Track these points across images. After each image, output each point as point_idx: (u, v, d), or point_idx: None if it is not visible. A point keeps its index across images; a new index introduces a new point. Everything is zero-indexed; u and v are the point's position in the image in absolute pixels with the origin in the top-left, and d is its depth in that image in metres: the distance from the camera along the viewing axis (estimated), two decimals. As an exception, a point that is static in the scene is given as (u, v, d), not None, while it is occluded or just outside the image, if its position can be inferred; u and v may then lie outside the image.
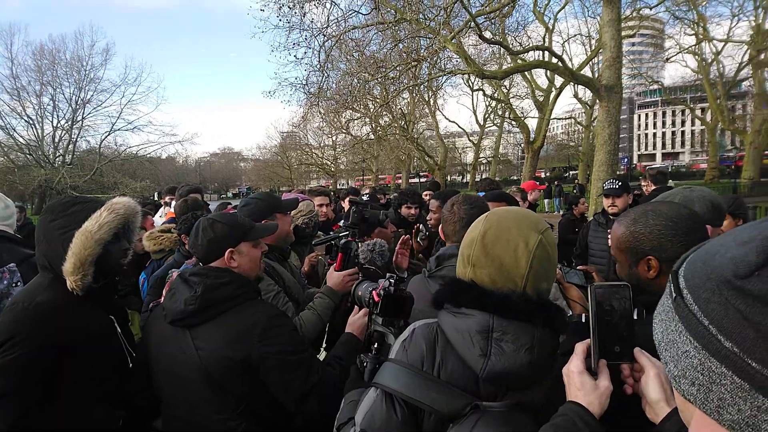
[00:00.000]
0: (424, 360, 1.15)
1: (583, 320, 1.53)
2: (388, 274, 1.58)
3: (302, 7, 13.78)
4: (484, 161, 47.93)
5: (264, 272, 2.17)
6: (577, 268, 1.75)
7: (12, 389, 1.56)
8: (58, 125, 35.70)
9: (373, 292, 1.60)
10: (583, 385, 1.01)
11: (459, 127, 39.98)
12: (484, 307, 1.11)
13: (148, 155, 37.78)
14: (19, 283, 2.65)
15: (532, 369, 1.07)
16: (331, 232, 3.45)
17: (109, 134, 36.56)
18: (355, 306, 1.87)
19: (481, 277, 1.15)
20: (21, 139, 34.65)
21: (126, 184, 31.67)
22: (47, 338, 1.60)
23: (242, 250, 1.79)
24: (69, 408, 1.67)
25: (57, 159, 35.36)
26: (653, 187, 5.28)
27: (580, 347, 1.06)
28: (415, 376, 1.12)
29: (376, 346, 1.53)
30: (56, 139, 35.83)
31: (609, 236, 2.80)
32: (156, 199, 9.79)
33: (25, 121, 34.73)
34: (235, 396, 1.63)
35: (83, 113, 35.74)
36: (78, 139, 36.49)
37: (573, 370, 1.04)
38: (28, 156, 34.54)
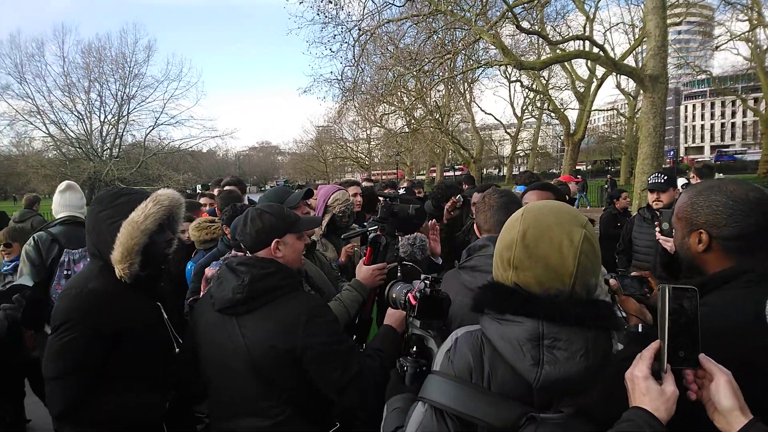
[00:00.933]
0: (472, 371, 1.10)
1: (640, 330, 1.55)
2: (422, 276, 1.54)
3: (338, 3, 13.83)
4: (521, 154, 47.06)
5: None
6: (632, 274, 1.68)
7: (66, 372, 1.65)
8: (105, 120, 37.30)
9: (409, 294, 1.57)
10: (648, 390, 0.98)
11: (495, 119, 39.40)
12: (531, 313, 1.06)
13: (190, 149, 38.97)
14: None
15: (589, 374, 1.03)
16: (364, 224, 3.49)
17: (153, 128, 37.91)
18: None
19: (526, 280, 1.10)
20: (72, 134, 36.43)
21: (169, 177, 32.80)
22: (99, 323, 1.68)
23: (287, 241, 1.83)
24: (118, 393, 1.74)
25: (105, 152, 36.96)
26: (699, 182, 5.07)
27: (647, 352, 1.03)
28: (464, 389, 1.08)
29: (414, 349, 1.53)
30: (104, 133, 37.44)
31: (656, 231, 2.72)
32: (198, 191, 10.07)
33: (75, 116, 36.45)
34: (279, 385, 1.68)
35: (128, 108, 37.20)
36: (124, 133, 38.02)
37: (638, 374, 1.00)
38: (78, 149, 36.27)
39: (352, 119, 39.02)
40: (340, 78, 17.30)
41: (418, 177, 38.71)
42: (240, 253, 2.49)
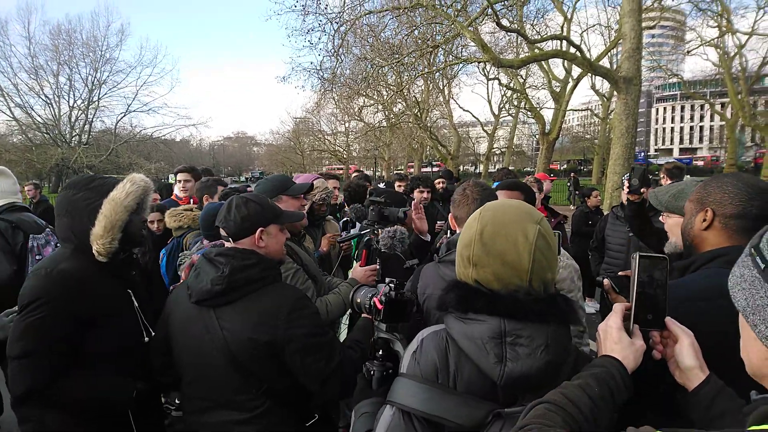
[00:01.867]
0: (439, 371, 1.12)
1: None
2: (387, 279, 1.56)
3: (318, -8, 13.68)
4: (497, 152, 47.57)
5: None
6: (619, 274, 1.74)
7: (31, 352, 1.62)
8: (75, 105, 36.11)
9: (374, 299, 1.58)
10: (620, 340, 1.05)
11: (473, 116, 39.69)
12: (493, 311, 1.08)
13: (163, 137, 38.09)
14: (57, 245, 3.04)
15: (550, 368, 1.06)
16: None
17: (124, 115, 36.92)
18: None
19: (486, 276, 1.12)
20: (39, 118, 35.12)
21: (141, 165, 31.99)
22: (68, 304, 1.66)
23: (271, 231, 1.81)
24: (84, 376, 1.72)
25: (73, 138, 35.79)
26: (669, 182, 5.23)
27: (618, 306, 1.11)
28: (430, 390, 1.09)
29: (381, 352, 1.54)
30: (73, 119, 36.23)
31: (628, 230, 2.82)
32: (170, 180, 9.86)
33: (43, 100, 35.21)
34: (258, 377, 1.66)
35: (99, 94, 36.11)
36: (94, 119, 36.90)
37: (612, 325, 1.08)
38: (45, 135, 35.03)
39: (331, 111, 38.74)
40: (319, 68, 17.16)
41: (395, 172, 38.84)
42: (206, 242, 2.48)
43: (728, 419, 0.97)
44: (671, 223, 1.94)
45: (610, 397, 0.96)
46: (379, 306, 1.53)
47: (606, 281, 1.71)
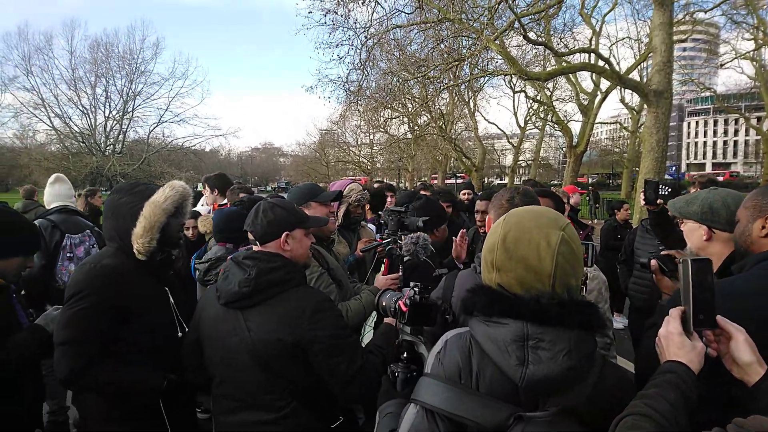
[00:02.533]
0: (461, 372, 1.13)
1: (665, 303, 1.64)
2: (412, 283, 1.58)
3: (346, 6, 13.91)
4: (523, 164, 47.08)
5: None
6: (662, 253, 1.81)
7: (74, 338, 1.74)
8: (110, 115, 37.38)
9: (399, 302, 1.61)
10: (683, 345, 1.09)
11: (498, 128, 39.40)
12: (516, 314, 1.09)
13: (193, 147, 39.05)
14: (95, 246, 3.35)
15: (572, 374, 1.06)
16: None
17: (157, 125, 38.01)
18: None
19: (509, 281, 1.14)
20: (75, 128, 36.51)
21: (172, 174, 32.78)
22: (109, 296, 1.79)
23: (296, 235, 1.86)
24: (121, 364, 1.84)
25: (108, 147, 37.04)
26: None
27: (675, 312, 1.15)
28: (454, 390, 1.11)
29: (405, 355, 1.57)
30: (108, 129, 37.52)
31: (658, 243, 2.81)
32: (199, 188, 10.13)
33: (80, 110, 36.55)
34: (284, 378, 1.70)
35: (133, 105, 37.32)
36: (128, 129, 38.12)
37: (672, 331, 1.12)
38: (81, 144, 36.35)
39: (356, 123, 39.03)
40: (345, 81, 17.37)
41: (420, 181, 38.89)
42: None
43: None
44: (687, 229, 1.96)
45: (683, 401, 1.00)
46: (404, 309, 1.56)
47: (653, 261, 1.75)
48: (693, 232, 1.95)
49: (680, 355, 1.08)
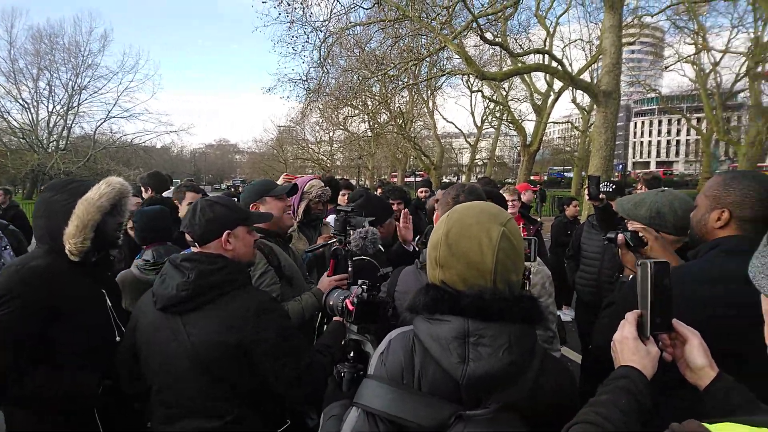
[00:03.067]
0: (404, 372, 1.12)
1: (630, 280, 1.71)
2: (360, 281, 1.56)
3: (303, 2, 13.71)
4: (480, 163, 47.99)
5: (258, 248, 2.21)
6: (630, 228, 1.81)
7: None
8: (54, 110, 35.43)
9: (346, 300, 1.58)
10: (637, 350, 1.08)
11: (456, 127, 40.00)
12: (458, 311, 1.09)
13: (143, 144, 37.57)
14: (7, 247, 3.16)
15: (513, 369, 1.06)
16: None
17: (104, 121, 36.34)
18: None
19: (451, 277, 1.13)
20: (15, 123, 34.37)
21: (119, 172, 31.35)
22: (36, 298, 1.68)
23: (239, 233, 1.78)
24: (51, 370, 1.73)
25: (51, 144, 35.08)
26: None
27: (630, 316, 1.14)
28: (395, 392, 1.09)
29: (352, 354, 1.54)
30: (51, 124, 35.53)
31: (603, 239, 2.92)
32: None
33: (20, 104, 34.48)
34: (228, 382, 1.63)
35: (79, 99, 35.52)
36: (73, 125, 36.22)
37: (627, 336, 1.11)
38: (21, 140, 34.26)
39: (315, 121, 38.67)
40: (304, 78, 17.16)
41: (380, 179, 39.04)
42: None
43: (742, 413, 1.01)
44: (633, 230, 2.02)
45: (637, 407, 0.99)
46: (351, 307, 1.53)
47: (620, 236, 1.77)
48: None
49: (634, 361, 1.07)
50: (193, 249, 1.78)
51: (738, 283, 1.27)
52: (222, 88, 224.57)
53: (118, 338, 1.89)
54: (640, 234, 1.77)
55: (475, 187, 2.12)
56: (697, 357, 1.11)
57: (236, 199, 2.53)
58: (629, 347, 1.09)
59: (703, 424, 0.76)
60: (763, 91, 27.51)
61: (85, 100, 35.83)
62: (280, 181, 4.09)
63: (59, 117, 35.60)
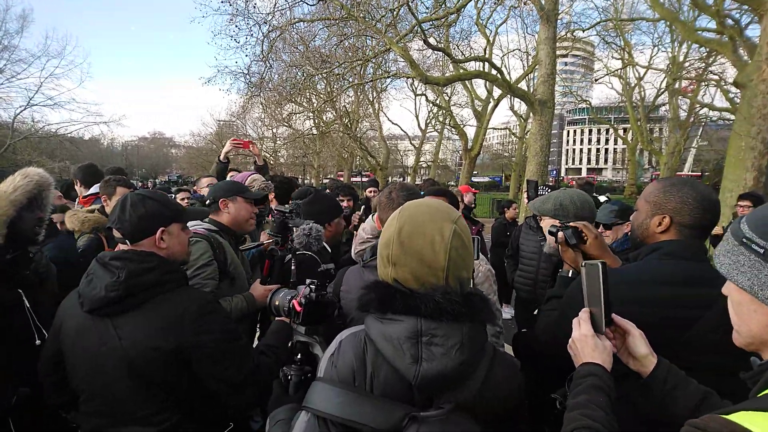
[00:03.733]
0: (355, 374, 1.10)
1: (570, 275, 1.84)
2: (308, 280, 1.53)
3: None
4: (424, 165, 48.78)
5: (206, 239, 2.17)
6: (570, 224, 1.90)
7: None
8: (-36, 94, 32.21)
9: (294, 301, 1.53)
10: (597, 347, 1.17)
11: (401, 129, 40.53)
12: (410, 311, 1.08)
13: (69, 134, 34.99)
14: None
15: (465, 368, 1.06)
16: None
17: (24, 108, 33.31)
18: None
19: (404, 276, 1.12)
20: None
21: (42, 164, 28.91)
22: None
23: (173, 231, 1.68)
24: None
25: (-39, 132, 31.90)
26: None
27: (584, 314, 1.23)
28: (346, 395, 1.07)
29: (299, 356, 1.50)
30: (-40, 110, 32.36)
31: (540, 239, 3.06)
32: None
33: None
34: (163, 389, 1.54)
35: (-6, 83, 32.48)
36: (-13, 111, 33.12)
37: (586, 333, 1.19)
38: (-76, 126, 30.92)
39: (257, 116, 37.70)
40: (246, 72, 16.68)
41: (328, 177, 38.77)
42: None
43: (680, 391, 1.17)
44: (544, 224, 2.33)
45: (609, 401, 1.07)
46: (298, 308, 1.48)
47: (561, 233, 1.86)
48: (549, 226, 2.23)
49: (596, 357, 1.15)
50: (122, 246, 1.65)
51: (681, 285, 1.44)
52: (157, 79, 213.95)
53: (38, 341, 1.75)
54: (581, 231, 1.86)
55: (405, 184, 2.17)
56: (640, 346, 1.22)
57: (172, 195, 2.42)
58: (589, 344, 1.17)
59: (720, 415, 0.81)
60: (680, 106, 29.91)
61: (2, 84, 32.86)
62: (226, 148, 4.02)
63: (-29, 102, 32.45)
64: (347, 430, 1.05)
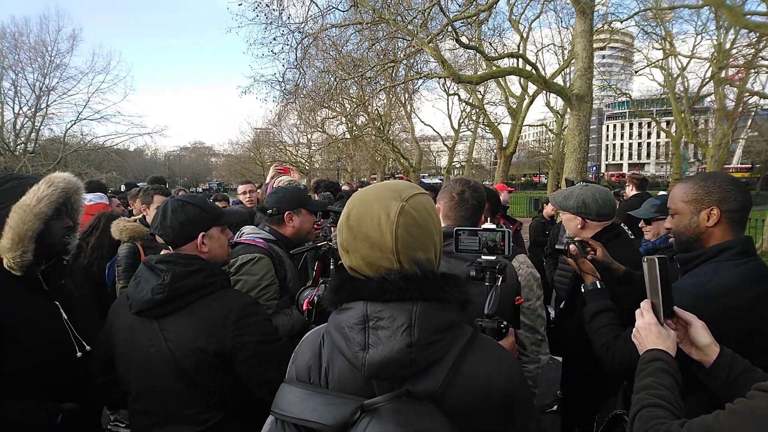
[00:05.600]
0: (311, 370, 1.05)
1: (599, 286, 1.86)
2: (321, 280, 1.51)
3: (280, 3, 13.62)
4: (457, 165, 48.39)
5: (268, 255, 2.15)
6: (576, 239, 1.96)
7: None
8: (20, 112, 34.20)
9: (305, 300, 1.53)
10: (660, 334, 1.24)
11: (434, 130, 40.33)
12: (358, 296, 1.01)
13: (116, 146, 36.63)
14: None
15: (415, 350, 0.95)
16: None
17: (74, 123, 35.15)
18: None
19: (357, 262, 1.05)
20: (-23, 125, 33.12)
21: (91, 176, 30.60)
22: None
23: (213, 234, 1.73)
24: None
25: (18, 147, 33.89)
26: (634, 192, 5.52)
27: (645, 305, 1.31)
28: (300, 392, 1.01)
29: None
30: (17, 126, 34.33)
31: (552, 250, 3.01)
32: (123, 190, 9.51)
33: (-17, 106, 33.19)
34: (208, 389, 1.58)
35: (47, 100, 34.30)
36: (41, 127, 35.04)
37: (650, 321, 1.27)
38: (-16, 143, 33.02)
39: (293, 123, 38.41)
40: (281, 80, 17.03)
41: (360, 180, 38.98)
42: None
43: (745, 379, 1.19)
44: (565, 219, 2.40)
45: (675, 384, 1.14)
46: (305, 307, 1.47)
47: (572, 246, 1.92)
48: (570, 222, 2.42)
49: (660, 344, 1.22)
50: (164, 250, 1.72)
51: (758, 283, 1.49)
52: (197, 89, 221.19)
53: (79, 354, 1.71)
54: (587, 243, 1.96)
55: (478, 184, 2.14)
56: (703, 336, 1.26)
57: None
58: (653, 332, 1.24)
59: None
60: (727, 96, 28.50)
61: (54, 101, 34.67)
62: (270, 174, 4.10)
63: (27, 118, 34.42)
64: (300, 430, 1.00)
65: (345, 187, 5.92)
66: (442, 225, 1.94)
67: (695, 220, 1.60)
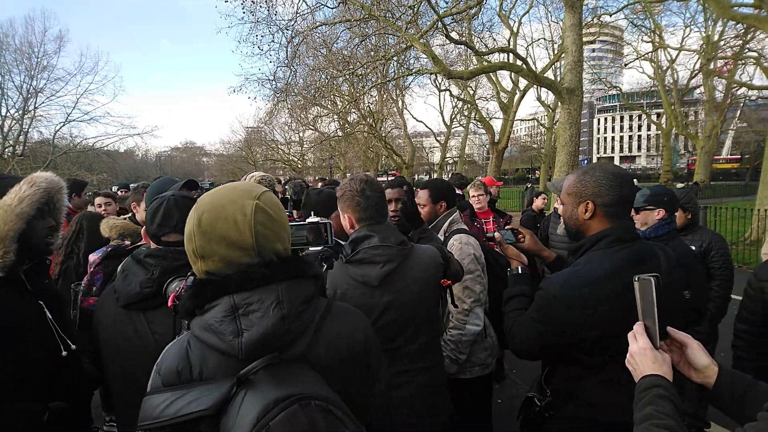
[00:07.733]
0: (181, 374, 1.04)
1: (520, 271, 1.94)
2: (189, 273, 1.43)
3: (268, 1, 13.55)
4: (450, 161, 48.50)
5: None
6: (506, 228, 2.06)
7: None
8: (8, 114, 33.85)
9: (172, 295, 1.46)
10: (656, 359, 1.17)
11: (426, 126, 40.36)
12: (222, 292, 1.05)
13: (106, 147, 36.37)
14: None
15: (288, 321, 1.04)
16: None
17: (63, 125, 34.85)
18: None
19: (215, 265, 1.07)
20: (-37, 128, 32.75)
21: (81, 177, 30.37)
22: None
23: None
24: None
25: (6, 150, 33.55)
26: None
27: (638, 328, 1.22)
28: (171, 394, 0.99)
29: None
30: (5, 129, 33.99)
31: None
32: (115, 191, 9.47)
33: (-32, 108, 32.81)
34: None
35: (35, 102, 33.99)
36: (30, 129, 34.72)
37: (645, 347, 1.19)
38: (-28, 146, 32.67)
39: (284, 121, 38.30)
40: (272, 78, 16.98)
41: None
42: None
43: (750, 395, 1.14)
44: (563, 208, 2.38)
45: (676, 410, 1.07)
46: (170, 303, 1.44)
47: (497, 234, 2.00)
48: None
49: (656, 369, 1.15)
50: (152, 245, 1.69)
51: (634, 267, 1.48)
52: (188, 89, 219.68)
53: (64, 353, 1.67)
54: (518, 231, 2.05)
55: (371, 176, 2.11)
56: (701, 357, 1.20)
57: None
58: (649, 357, 1.17)
59: None
60: (716, 87, 28.74)
61: (42, 103, 34.36)
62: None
63: (14, 121, 34.08)
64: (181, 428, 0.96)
65: (313, 185, 5.92)
66: (356, 228, 1.97)
67: (575, 212, 1.67)
